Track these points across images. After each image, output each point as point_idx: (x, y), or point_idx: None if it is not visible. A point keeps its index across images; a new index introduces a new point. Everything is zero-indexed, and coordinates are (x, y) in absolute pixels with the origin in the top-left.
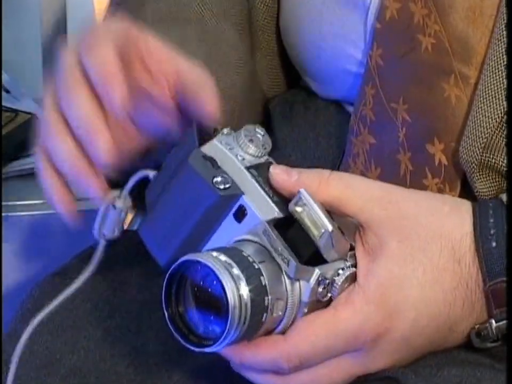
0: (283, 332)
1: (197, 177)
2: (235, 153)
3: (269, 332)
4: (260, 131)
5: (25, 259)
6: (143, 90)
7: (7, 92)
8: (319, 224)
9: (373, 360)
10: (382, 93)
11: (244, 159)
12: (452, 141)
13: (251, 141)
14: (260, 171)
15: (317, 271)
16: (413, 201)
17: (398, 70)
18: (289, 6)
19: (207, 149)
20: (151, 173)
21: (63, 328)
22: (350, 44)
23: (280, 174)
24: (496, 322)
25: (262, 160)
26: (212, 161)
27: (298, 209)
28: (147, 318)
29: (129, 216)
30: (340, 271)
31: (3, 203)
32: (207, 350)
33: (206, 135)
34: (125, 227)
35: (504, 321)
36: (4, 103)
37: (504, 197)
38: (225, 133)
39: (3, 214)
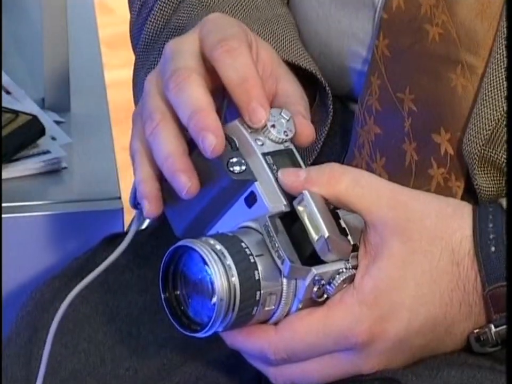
0: (276, 323)
1: (213, 157)
2: (255, 137)
3: (262, 323)
4: (285, 115)
5: (25, 261)
6: None
7: (8, 93)
8: (317, 227)
9: (366, 360)
10: (388, 83)
11: (263, 144)
12: (458, 131)
13: (273, 126)
14: (276, 159)
15: (312, 272)
16: (420, 203)
17: (404, 60)
18: (296, 3)
19: (229, 128)
20: None
21: (63, 331)
22: (357, 42)
23: (288, 176)
24: (495, 327)
25: (282, 146)
26: (231, 142)
27: (300, 208)
28: (147, 321)
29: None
30: (338, 273)
31: (3, 204)
32: (195, 335)
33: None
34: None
35: (504, 327)
36: (4, 104)
37: (503, 202)
38: None
39: (3, 216)
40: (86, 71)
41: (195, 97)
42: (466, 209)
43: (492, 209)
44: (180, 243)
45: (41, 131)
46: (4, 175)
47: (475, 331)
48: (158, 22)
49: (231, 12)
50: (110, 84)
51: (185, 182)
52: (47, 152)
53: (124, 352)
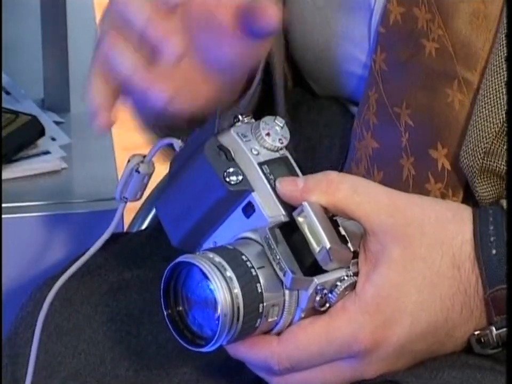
0: (279, 333)
1: (209, 168)
2: (250, 146)
3: (265, 333)
4: (279, 123)
5: (25, 261)
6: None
7: (7, 93)
8: (318, 238)
9: (368, 366)
10: (385, 98)
11: (258, 153)
12: (455, 146)
13: (268, 134)
14: (272, 168)
15: (315, 282)
16: (419, 208)
17: (401, 75)
18: (292, 7)
19: (223, 138)
20: (175, 142)
21: (63, 332)
22: (355, 45)
23: (286, 186)
24: (496, 329)
25: (278, 154)
26: (226, 152)
27: (300, 219)
28: (147, 321)
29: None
30: (340, 281)
31: (3, 205)
32: (201, 350)
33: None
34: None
35: (505, 329)
36: (4, 105)
37: (504, 203)
38: (245, 121)
39: (3, 216)
40: (86, 71)
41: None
42: (466, 212)
43: (492, 211)
44: (179, 259)
45: (41, 131)
46: (4, 176)
47: (476, 333)
48: None
49: None
50: None
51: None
52: (47, 152)
53: (123, 352)
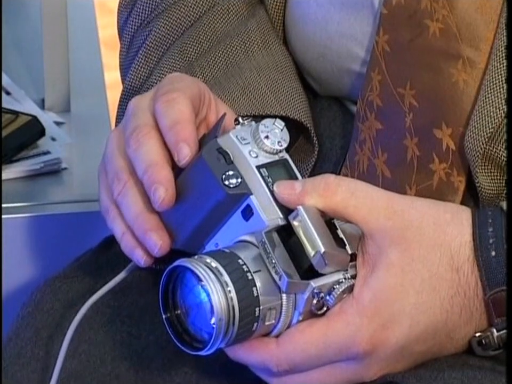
0: (278, 336)
1: (208, 171)
2: (249, 149)
3: (264, 335)
4: (278, 125)
5: (25, 262)
6: None
7: (8, 93)
8: (312, 243)
9: (367, 368)
10: (389, 79)
11: (257, 156)
12: (460, 126)
13: (267, 137)
14: (271, 171)
15: (311, 285)
16: (418, 210)
17: (405, 56)
18: (294, 6)
19: (223, 141)
20: None
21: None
22: (357, 44)
23: (284, 189)
24: (497, 331)
25: (277, 157)
26: (225, 155)
27: (296, 223)
28: (148, 322)
29: None
30: (337, 284)
31: (3, 205)
32: (198, 353)
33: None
34: None
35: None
36: (4, 105)
37: (503, 205)
38: (245, 124)
39: (3, 216)
40: (86, 71)
41: (151, 153)
42: (464, 214)
43: (491, 213)
44: (177, 263)
45: (41, 132)
46: (4, 176)
47: (477, 335)
48: (141, 72)
49: (209, 68)
50: (110, 85)
51: (156, 240)
52: (47, 152)
53: (124, 352)
